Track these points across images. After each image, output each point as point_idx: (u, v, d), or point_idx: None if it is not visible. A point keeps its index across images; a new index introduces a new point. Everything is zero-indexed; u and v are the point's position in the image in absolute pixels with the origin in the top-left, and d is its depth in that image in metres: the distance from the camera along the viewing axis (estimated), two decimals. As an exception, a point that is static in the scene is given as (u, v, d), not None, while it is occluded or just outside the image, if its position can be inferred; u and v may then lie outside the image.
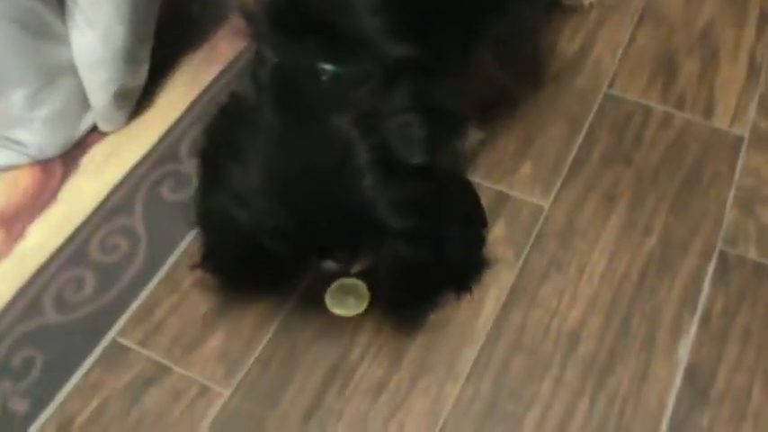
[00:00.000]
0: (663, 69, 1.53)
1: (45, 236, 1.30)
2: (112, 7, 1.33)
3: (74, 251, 1.28)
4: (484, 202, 1.22)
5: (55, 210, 1.34)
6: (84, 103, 1.41)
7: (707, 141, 1.41)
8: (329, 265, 1.07)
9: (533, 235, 1.28)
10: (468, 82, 1.31)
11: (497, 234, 1.28)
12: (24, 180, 1.37)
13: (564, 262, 1.25)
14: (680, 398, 1.11)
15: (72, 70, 1.38)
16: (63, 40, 1.36)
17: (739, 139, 1.42)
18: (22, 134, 1.36)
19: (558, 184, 1.34)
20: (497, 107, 1.42)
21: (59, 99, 1.37)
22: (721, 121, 1.45)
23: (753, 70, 1.54)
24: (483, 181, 1.33)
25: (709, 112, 1.46)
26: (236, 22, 1.38)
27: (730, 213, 1.31)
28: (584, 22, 1.62)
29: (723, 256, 1.26)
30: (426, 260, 1.03)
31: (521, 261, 1.25)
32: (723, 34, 1.61)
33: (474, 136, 1.35)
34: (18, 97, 1.33)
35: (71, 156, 1.40)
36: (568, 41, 1.57)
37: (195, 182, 1.10)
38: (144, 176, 1.36)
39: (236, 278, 1.21)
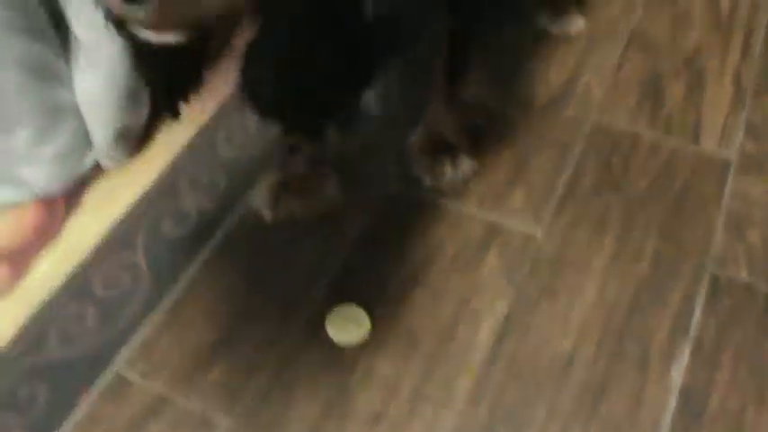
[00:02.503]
0: (650, 95, 1.56)
1: (48, 272, 1.33)
2: (116, 49, 1.37)
3: (77, 286, 1.31)
4: (476, 233, 1.25)
5: (58, 245, 1.36)
6: (87, 142, 1.44)
7: (695, 166, 1.44)
8: None
9: (526, 264, 1.30)
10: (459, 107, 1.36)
11: (491, 264, 1.30)
12: (28, 216, 1.38)
13: (556, 290, 1.27)
14: (674, 421, 1.13)
15: (75, 110, 1.41)
16: (67, 80, 1.39)
17: (727, 163, 1.44)
18: (27, 172, 1.38)
19: (550, 212, 1.36)
20: (488, 136, 1.45)
21: (63, 138, 1.40)
22: (709, 145, 1.47)
23: (739, 93, 1.57)
24: (475, 210, 1.36)
25: (696, 136, 1.49)
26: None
27: (720, 236, 1.33)
28: (573, 49, 1.65)
29: (714, 279, 1.28)
30: None
31: (514, 290, 1.27)
32: (709, 58, 1.65)
33: (466, 165, 1.38)
34: (23, 136, 1.35)
35: (74, 192, 1.43)
36: (557, 70, 1.60)
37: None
38: (145, 212, 1.38)
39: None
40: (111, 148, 1.45)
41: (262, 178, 1.39)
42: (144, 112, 1.49)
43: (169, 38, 0.77)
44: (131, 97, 1.43)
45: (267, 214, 1.35)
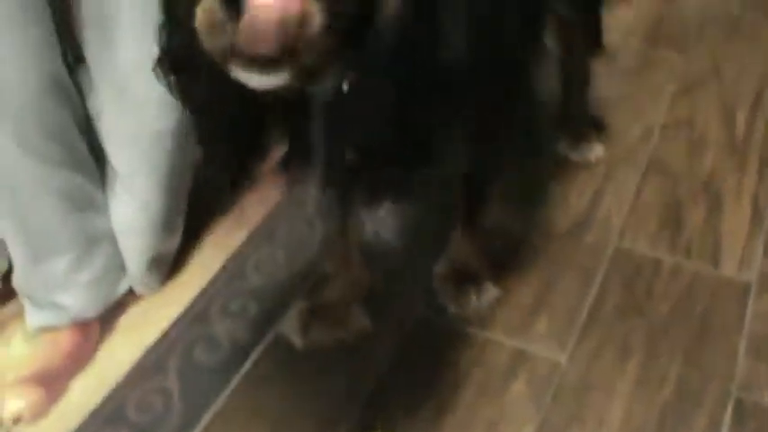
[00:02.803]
0: (670, 220, 1.60)
1: (83, 395, 1.35)
2: (152, 179, 1.42)
3: (111, 410, 1.32)
4: (502, 359, 1.27)
5: (92, 369, 1.39)
6: (122, 268, 1.48)
7: (716, 289, 1.46)
8: None
9: (552, 390, 1.32)
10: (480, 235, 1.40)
11: (517, 390, 1.31)
12: (63, 340, 1.41)
13: (583, 416, 1.28)
14: None
15: (110, 237, 1.46)
16: (103, 208, 1.44)
17: (748, 285, 1.47)
18: (64, 298, 1.41)
19: (574, 338, 1.38)
20: (511, 263, 1.48)
21: (99, 264, 1.44)
22: (729, 269, 1.50)
23: (757, 216, 1.61)
24: (501, 337, 1.38)
25: (716, 260, 1.52)
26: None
27: (743, 360, 1.35)
28: (593, 176, 1.70)
29: (739, 404, 1.29)
30: None
31: (541, 416, 1.28)
32: (726, 182, 1.69)
33: (490, 293, 1.41)
34: (61, 264, 1.39)
35: (108, 317, 1.46)
36: (578, 196, 1.65)
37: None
38: (177, 338, 1.41)
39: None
40: (145, 275, 1.49)
41: (292, 306, 1.43)
42: (177, 238, 1.53)
43: (275, 81, 0.75)
44: (165, 225, 1.48)
45: (297, 342, 1.37)
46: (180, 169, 1.47)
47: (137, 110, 1.38)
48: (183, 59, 0.90)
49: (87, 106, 1.40)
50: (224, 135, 0.97)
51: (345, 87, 0.89)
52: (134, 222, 1.45)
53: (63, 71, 1.33)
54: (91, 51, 1.37)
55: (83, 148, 1.40)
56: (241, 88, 0.77)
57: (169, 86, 0.96)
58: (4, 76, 1.24)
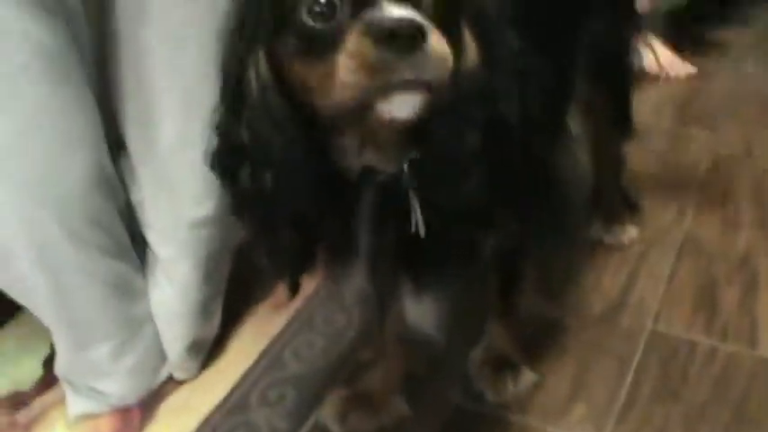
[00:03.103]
0: (705, 301, 1.60)
1: (124, 482, 1.37)
2: (191, 266, 1.46)
3: (151, 498, 1.35)
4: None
5: (134, 457, 1.41)
6: (162, 354, 1.50)
7: (753, 371, 1.45)
8: None
9: (591, 477, 1.32)
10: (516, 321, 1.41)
11: (557, 477, 1.32)
12: (104, 427, 1.42)
13: (623, 503, 1.28)
14: None
15: (151, 323, 1.48)
16: (143, 295, 1.47)
17: (785, 366, 1.46)
18: (105, 385, 1.43)
19: (611, 424, 1.37)
20: (547, 347, 1.49)
21: (140, 350, 1.46)
22: (766, 350, 1.49)
23: (793, 295, 1.61)
24: (538, 423, 1.38)
25: (753, 341, 1.51)
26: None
27: (783, 443, 1.34)
28: (627, 258, 1.71)
29: (779, 487, 1.28)
30: None
31: (581, 504, 1.28)
32: (761, 261, 1.69)
33: (527, 379, 1.42)
34: (103, 351, 1.41)
35: (148, 404, 1.48)
36: (612, 278, 1.66)
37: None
38: (217, 426, 1.42)
39: None
40: (184, 360, 1.51)
41: (330, 394, 1.44)
42: (215, 323, 1.56)
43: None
44: (204, 310, 1.51)
45: (336, 430, 1.38)
46: (219, 255, 1.50)
47: (175, 198, 1.43)
48: (246, 150, 0.95)
49: (128, 194, 1.45)
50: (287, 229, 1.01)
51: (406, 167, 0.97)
52: (173, 308, 1.48)
53: (107, 160, 1.38)
54: (132, 139, 1.42)
55: (125, 235, 1.43)
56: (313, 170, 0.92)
57: (227, 179, 1.00)
58: (52, 164, 1.29)
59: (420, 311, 1.17)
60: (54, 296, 1.35)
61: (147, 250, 1.48)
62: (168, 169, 1.41)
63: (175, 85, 1.36)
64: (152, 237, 1.47)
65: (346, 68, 0.82)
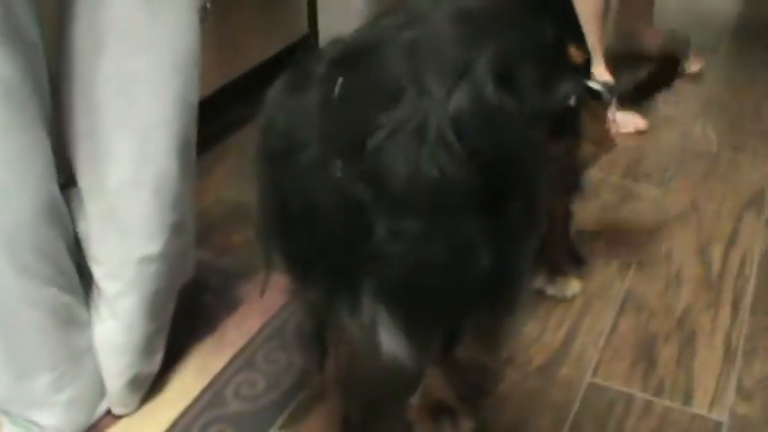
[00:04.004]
0: (643, 356, 1.63)
1: None
2: (137, 302, 1.45)
3: None
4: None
5: (66, 493, 1.39)
6: (101, 389, 1.49)
7: (687, 428, 1.47)
8: None
9: None
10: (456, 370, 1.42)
11: None
12: (40, 460, 1.43)
13: None
14: None
15: (93, 355, 1.47)
16: (86, 327, 1.46)
17: (719, 425, 1.48)
18: (43, 416, 1.41)
19: (547, 475, 1.40)
20: (486, 397, 1.50)
21: (81, 383, 1.44)
22: (700, 407, 1.52)
23: (729, 354, 1.63)
24: (474, 474, 1.40)
25: (688, 398, 1.54)
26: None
27: (711, 501, 1.37)
28: (568, 311, 1.74)
29: None
30: None
31: None
32: (699, 319, 1.73)
33: (464, 426, 1.42)
34: (43, 382, 1.40)
35: (86, 438, 1.47)
36: (553, 331, 1.68)
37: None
38: (155, 463, 1.42)
39: None
40: (125, 395, 1.50)
41: (272, 432, 1.45)
42: (158, 359, 1.55)
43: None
44: (147, 346, 1.50)
45: None
46: (165, 292, 1.50)
47: (124, 235, 1.43)
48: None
49: (76, 228, 1.44)
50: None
51: None
52: (116, 342, 1.47)
53: (57, 192, 1.38)
54: (83, 175, 1.42)
55: (71, 267, 1.43)
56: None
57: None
58: (1, 192, 1.28)
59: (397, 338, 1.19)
60: None
61: (93, 284, 1.48)
62: (119, 207, 1.41)
63: (131, 127, 1.38)
64: (98, 271, 1.46)
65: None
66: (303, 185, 0.98)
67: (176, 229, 1.46)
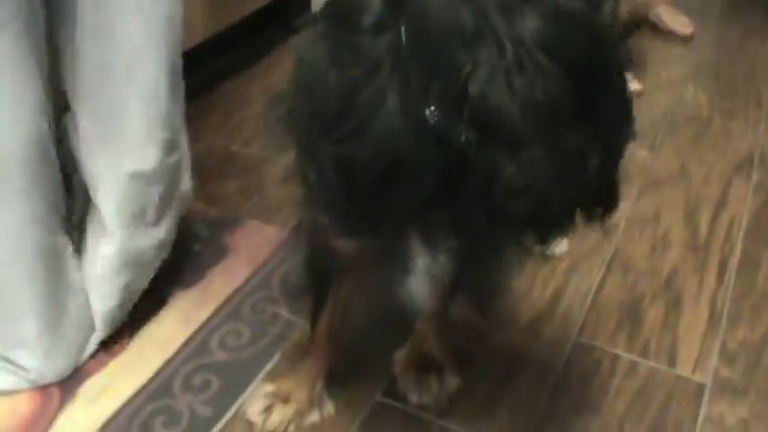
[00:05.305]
0: (629, 317, 1.63)
1: (37, 463, 1.35)
2: (130, 217, 1.47)
3: (64, 479, 1.33)
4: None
5: (49, 437, 1.38)
6: (87, 332, 1.49)
7: (671, 389, 1.49)
8: None
9: (507, 486, 1.33)
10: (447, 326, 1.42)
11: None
12: (23, 405, 1.41)
13: None
14: None
15: (79, 299, 1.47)
16: (73, 270, 1.46)
17: (702, 387, 1.49)
18: (25, 359, 1.41)
19: (530, 432, 1.41)
20: (472, 353, 1.50)
21: (66, 328, 1.44)
22: (684, 369, 1.53)
23: (714, 317, 1.64)
24: (457, 428, 1.40)
25: (672, 359, 1.55)
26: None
27: (693, 461, 1.37)
28: (556, 270, 1.74)
29: (688, 504, 1.31)
30: None
31: None
32: (686, 282, 1.73)
33: (451, 383, 1.43)
34: (28, 324, 1.39)
35: (69, 384, 1.46)
36: (540, 289, 1.69)
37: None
38: (138, 410, 1.41)
39: None
40: (115, 315, 1.52)
41: (254, 386, 1.44)
42: (150, 275, 1.57)
43: None
44: (142, 263, 1.53)
45: (258, 422, 1.38)
46: (160, 210, 1.51)
47: (116, 151, 1.43)
48: None
49: (73, 151, 1.45)
50: None
51: None
52: (113, 262, 1.48)
53: (47, 130, 1.35)
54: (74, 96, 1.41)
55: (60, 207, 1.42)
56: None
57: None
58: None
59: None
60: None
61: (89, 206, 1.48)
62: (111, 124, 1.41)
63: (119, 42, 1.37)
64: (93, 190, 1.46)
65: None
66: (381, 140, 0.95)
67: (168, 146, 1.47)
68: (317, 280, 1.34)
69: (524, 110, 0.88)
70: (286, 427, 1.38)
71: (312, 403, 1.40)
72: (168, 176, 1.50)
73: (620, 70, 0.99)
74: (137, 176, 1.44)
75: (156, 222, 1.52)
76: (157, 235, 1.53)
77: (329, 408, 1.41)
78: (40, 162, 1.34)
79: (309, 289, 1.37)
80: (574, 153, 0.92)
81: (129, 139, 1.43)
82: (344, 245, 1.19)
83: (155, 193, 1.48)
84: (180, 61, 1.47)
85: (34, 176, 1.34)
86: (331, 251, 1.22)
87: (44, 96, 1.33)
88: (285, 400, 1.39)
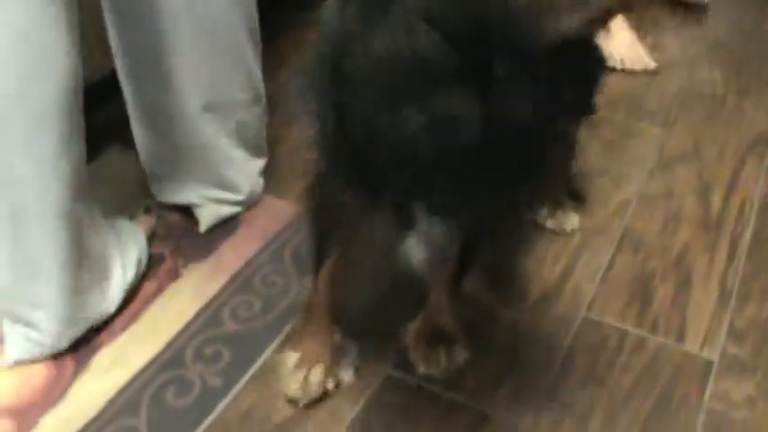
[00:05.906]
0: (639, 294, 1.64)
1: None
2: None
3: (80, 449, 1.35)
4: (464, 422, 1.29)
5: (64, 407, 1.40)
6: (103, 294, 1.50)
7: (678, 365, 1.50)
8: None
9: (512, 458, 1.35)
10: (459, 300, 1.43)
11: (481, 455, 1.35)
12: (37, 375, 1.44)
13: (540, 484, 1.31)
14: None
15: (99, 262, 1.48)
16: (91, 234, 1.46)
17: (709, 364, 1.50)
18: (42, 320, 1.41)
19: (536, 406, 1.41)
20: (482, 328, 1.52)
21: (85, 294, 1.45)
22: (693, 346, 1.54)
23: (723, 296, 1.65)
24: (465, 400, 1.41)
25: (681, 336, 1.55)
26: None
27: (700, 436, 1.38)
28: (567, 246, 1.74)
29: (694, 479, 1.32)
30: None
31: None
32: (696, 260, 1.73)
33: (460, 356, 1.44)
34: (48, 286, 1.40)
35: (82, 354, 1.48)
36: (551, 265, 1.69)
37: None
38: (150, 380, 1.44)
39: None
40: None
41: (265, 355, 1.46)
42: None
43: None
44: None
45: (301, 396, 1.39)
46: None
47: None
48: None
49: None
50: None
51: None
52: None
53: (80, 81, 1.35)
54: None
55: (85, 171, 1.42)
56: None
57: None
58: (33, 78, 1.27)
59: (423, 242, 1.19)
60: (6, 228, 1.34)
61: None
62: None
63: None
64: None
65: None
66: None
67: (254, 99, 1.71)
68: (322, 235, 1.35)
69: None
70: (326, 387, 1.40)
71: (337, 357, 1.42)
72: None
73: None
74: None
75: None
76: None
77: (341, 380, 1.43)
78: (72, 117, 1.33)
79: (313, 244, 1.38)
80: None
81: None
82: (350, 198, 1.19)
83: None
84: (258, 27, 1.65)
85: (66, 134, 1.33)
86: (337, 204, 1.23)
87: (78, 47, 1.33)
88: (314, 361, 1.40)
